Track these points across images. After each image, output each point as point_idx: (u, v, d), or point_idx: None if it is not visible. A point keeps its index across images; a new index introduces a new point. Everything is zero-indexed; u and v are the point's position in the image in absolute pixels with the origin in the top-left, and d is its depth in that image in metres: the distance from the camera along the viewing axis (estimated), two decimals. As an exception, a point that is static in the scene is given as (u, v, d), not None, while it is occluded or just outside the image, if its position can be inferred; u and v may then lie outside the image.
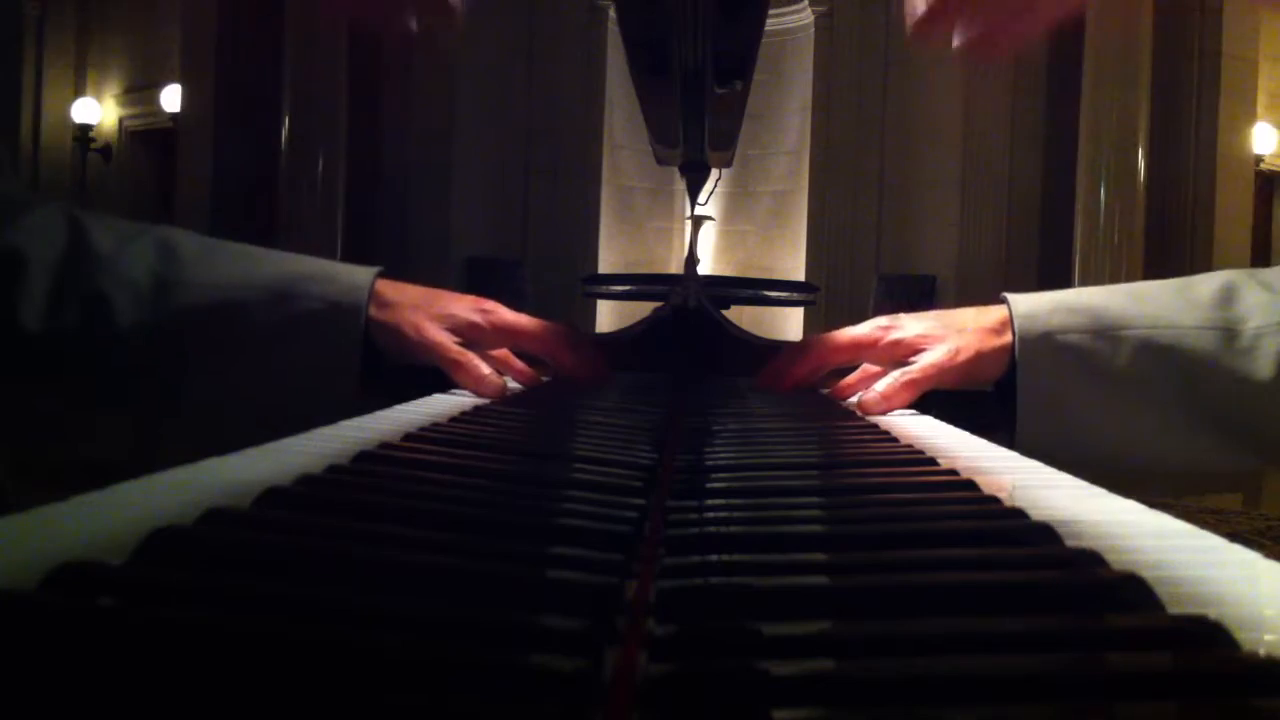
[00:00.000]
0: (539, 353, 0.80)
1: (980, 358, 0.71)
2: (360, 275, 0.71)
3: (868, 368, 0.81)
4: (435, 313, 0.72)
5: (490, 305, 0.76)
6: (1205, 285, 0.69)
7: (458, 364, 0.71)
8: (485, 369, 0.71)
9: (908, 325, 0.75)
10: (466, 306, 0.75)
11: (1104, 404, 0.68)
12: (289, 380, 0.67)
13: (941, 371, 0.71)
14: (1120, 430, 0.68)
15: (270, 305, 0.66)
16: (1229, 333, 0.65)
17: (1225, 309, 0.66)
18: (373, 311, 0.69)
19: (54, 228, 0.63)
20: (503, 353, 0.80)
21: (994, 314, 0.73)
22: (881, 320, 0.77)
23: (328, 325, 0.67)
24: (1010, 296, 0.73)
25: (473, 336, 0.74)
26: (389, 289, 0.72)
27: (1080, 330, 0.68)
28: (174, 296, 0.64)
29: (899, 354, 0.74)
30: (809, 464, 0.47)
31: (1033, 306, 0.71)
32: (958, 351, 0.71)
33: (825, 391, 0.85)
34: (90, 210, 0.66)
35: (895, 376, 0.72)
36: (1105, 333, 0.68)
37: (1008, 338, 0.70)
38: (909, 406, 0.72)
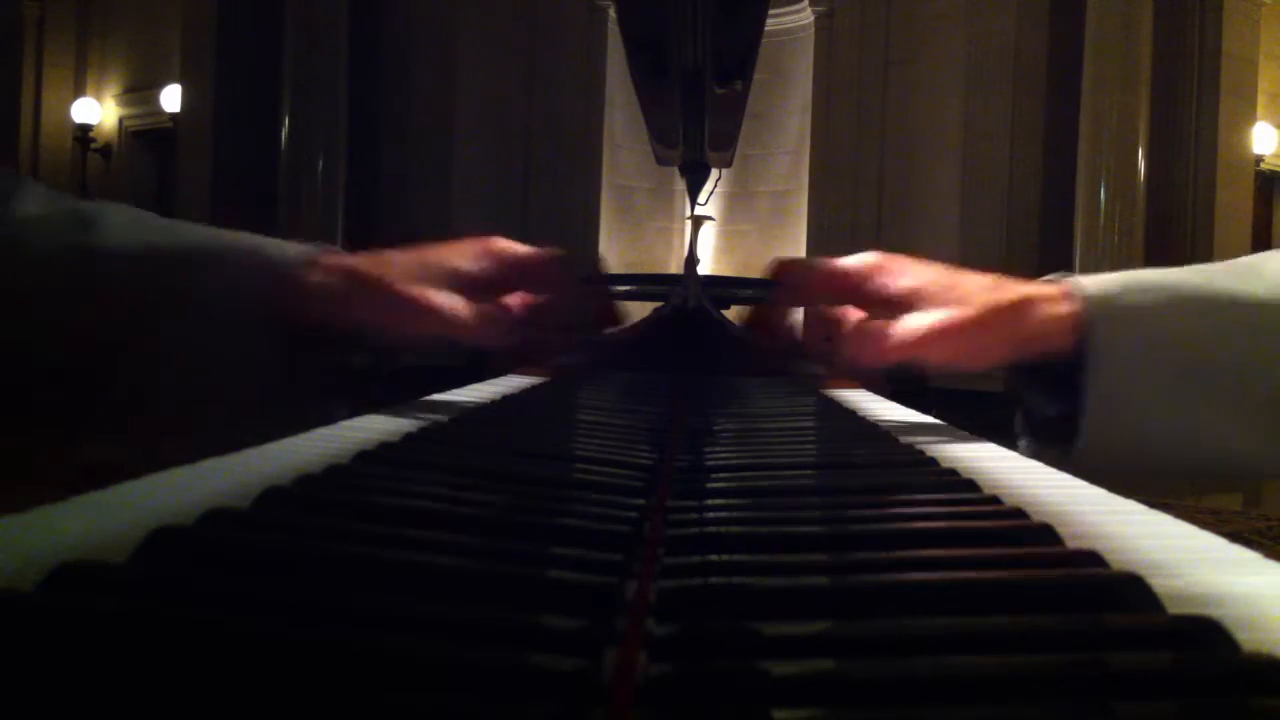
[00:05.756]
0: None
1: (980, 339, 0.58)
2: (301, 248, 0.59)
3: (849, 312, 0.67)
4: (429, 274, 0.60)
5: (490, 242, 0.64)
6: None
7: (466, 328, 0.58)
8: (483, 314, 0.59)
9: (903, 270, 0.61)
10: (463, 253, 0.63)
11: (1178, 387, 0.56)
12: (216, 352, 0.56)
13: (927, 340, 0.57)
14: (1193, 421, 0.57)
15: (192, 270, 0.56)
16: None
17: None
18: (346, 297, 0.57)
19: None
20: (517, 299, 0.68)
21: (1017, 287, 0.59)
22: (871, 255, 0.62)
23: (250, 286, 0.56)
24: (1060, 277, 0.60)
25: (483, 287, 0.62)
26: (363, 260, 0.59)
27: (1157, 305, 0.56)
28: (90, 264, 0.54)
29: (879, 299, 0.61)
30: (809, 464, 0.47)
31: (1100, 283, 0.58)
32: (951, 325, 0.57)
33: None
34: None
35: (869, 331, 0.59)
36: (1184, 305, 0.57)
37: (1032, 326, 0.57)
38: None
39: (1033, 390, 0.62)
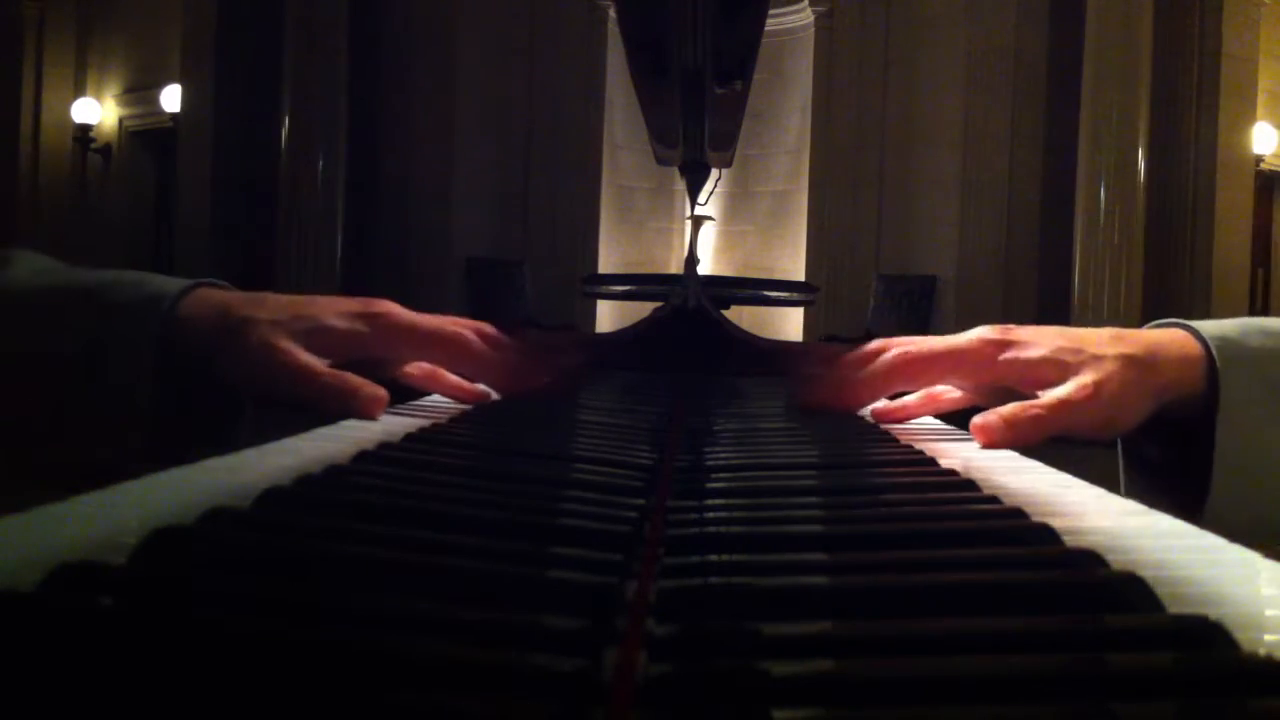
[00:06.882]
0: (442, 364, 0.65)
1: (1125, 395, 0.54)
2: (176, 283, 0.57)
3: (936, 392, 0.65)
4: (300, 328, 0.57)
5: (378, 307, 0.61)
6: None
7: (326, 391, 0.55)
8: (359, 383, 0.56)
9: (1026, 340, 0.58)
10: (342, 312, 0.59)
11: None
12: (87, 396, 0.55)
13: (1074, 411, 0.54)
14: None
15: (74, 307, 0.56)
16: None
17: None
18: (216, 336, 0.55)
19: None
20: (426, 368, 0.66)
21: (1143, 337, 0.57)
22: (987, 331, 0.59)
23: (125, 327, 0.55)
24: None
25: (356, 351, 0.59)
26: (240, 301, 0.58)
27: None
28: None
29: (1012, 377, 0.57)
30: (809, 464, 0.47)
31: (1217, 326, 0.56)
32: (1098, 386, 0.54)
33: (868, 412, 0.67)
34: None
35: (1019, 407, 0.54)
36: None
37: (1167, 374, 0.55)
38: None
39: (1142, 439, 0.59)
